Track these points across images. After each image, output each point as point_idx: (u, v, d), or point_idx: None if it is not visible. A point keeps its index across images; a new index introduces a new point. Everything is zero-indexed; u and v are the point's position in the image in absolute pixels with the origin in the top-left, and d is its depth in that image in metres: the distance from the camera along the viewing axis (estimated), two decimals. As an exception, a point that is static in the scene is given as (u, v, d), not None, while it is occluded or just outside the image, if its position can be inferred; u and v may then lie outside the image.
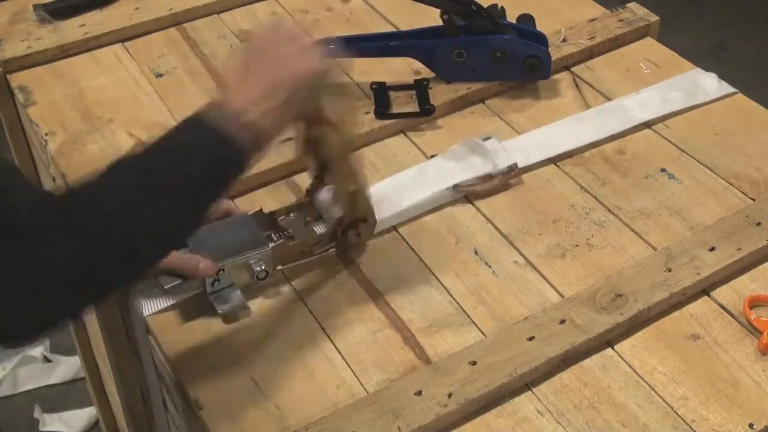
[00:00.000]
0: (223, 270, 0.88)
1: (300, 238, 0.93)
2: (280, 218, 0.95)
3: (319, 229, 0.95)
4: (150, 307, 0.89)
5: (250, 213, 0.94)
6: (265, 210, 0.95)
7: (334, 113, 0.86)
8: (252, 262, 0.88)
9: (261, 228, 0.92)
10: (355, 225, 0.92)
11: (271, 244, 0.90)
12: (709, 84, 1.15)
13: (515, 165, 1.02)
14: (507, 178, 1.02)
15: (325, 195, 0.94)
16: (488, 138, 1.05)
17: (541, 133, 1.08)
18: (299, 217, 0.96)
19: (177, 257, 0.88)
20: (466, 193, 1.01)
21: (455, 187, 1.00)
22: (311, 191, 0.95)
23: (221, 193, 0.79)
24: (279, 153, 1.03)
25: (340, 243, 0.93)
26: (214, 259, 0.87)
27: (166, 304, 0.89)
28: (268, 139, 0.78)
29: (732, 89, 1.16)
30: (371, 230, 0.94)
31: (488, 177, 1.01)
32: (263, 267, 0.88)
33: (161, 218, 0.73)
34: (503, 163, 1.02)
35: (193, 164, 0.74)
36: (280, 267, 0.92)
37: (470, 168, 1.01)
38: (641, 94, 1.13)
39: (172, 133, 0.76)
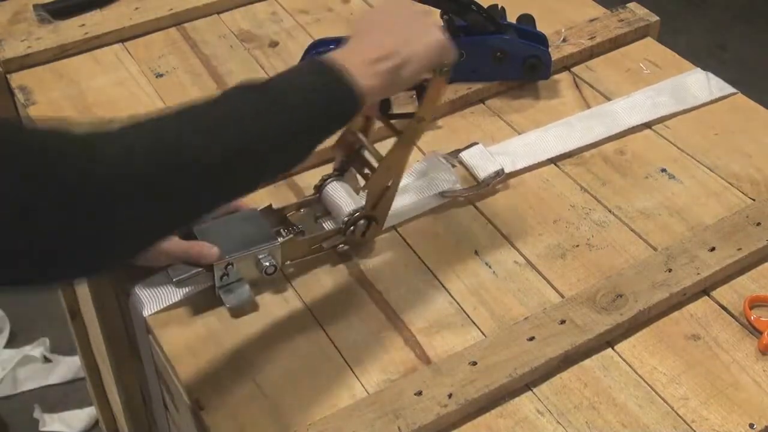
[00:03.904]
0: (231, 264, 0.88)
1: (309, 234, 0.93)
2: (290, 214, 0.95)
3: (329, 225, 0.95)
4: (150, 307, 0.89)
5: (259, 208, 0.94)
6: (275, 206, 0.95)
7: (433, 97, 0.87)
8: (261, 256, 0.89)
9: (270, 223, 0.93)
10: (364, 221, 0.92)
11: (280, 239, 0.90)
12: (699, 86, 1.15)
13: (502, 170, 1.02)
14: (494, 184, 1.02)
15: (333, 191, 0.94)
16: (474, 144, 1.05)
17: (528, 138, 1.08)
18: (308, 213, 0.96)
19: (182, 243, 0.88)
20: (451, 198, 1.01)
21: (442, 193, 1.00)
22: (320, 187, 0.95)
23: (323, 138, 0.78)
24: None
25: (350, 239, 0.93)
26: (223, 253, 0.87)
27: (166, 304, 0.90)
28: (372, 98, 0.79)
29: (731, 89, 1.16)
30: (380, 227, 0.94)
31: (474, 183, 1.02)
32: (272, 262, 0.89)
33: (260, 152, 0.73)
34: (490, 169, 1.02)
35: (310, 104, 0.74)
36: (288, 262, 0.92)
37: (430, 185, 1.01)
38: (632, 98, 1.13)
39: (292, 72, 0.76)
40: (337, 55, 0.78)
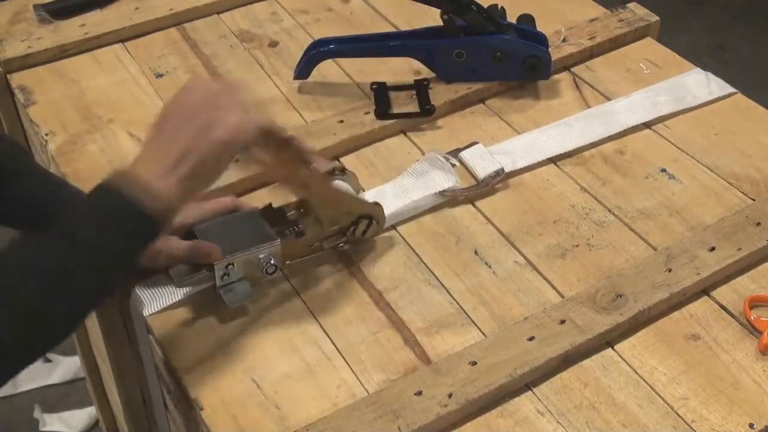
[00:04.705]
0: (232, 264, 0.88)
1: (310, 233, 0.93)
2: (290, 213, 0.95)
3: None
4: (150, 307, 0.89)
5: (260, 208, 0.94)
6: (275, 205, 0.95)
7: (289, 165, 0.85)
8: (261, 256, 0.89)
9: (271, 223, 0.93)
10: (364, 220, 0.92)
11: (281, 239, 0.90)
12: (698, 86, 1.15)
13: (502, 170, 1.02)
14: (494, 183, 1.02)
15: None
16: (474, 143, 1.05)
17: (528, 138, 1.08)
18: (309, 212, 0.96)
19: (183, 243, 0.88)
20: (451, 197, 1.01)
21: (442, 192, 1.00)
22: None
23: (131, 265, 0.77)
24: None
25: (350, 238, 0.93)
26: (224, 252, 0.88)
27: (166, 304, 0.90)
28: (179, 206, 0.78)
29: (731, 89, 1.16)
30: (381, 225, 0.94)
31: (474, 182, 1.02)
32: (272, 261, 0.89)
33: (66, 301, 0.73)
34: (490, 168, 1.02)
35: (106, 241, 0.73)
36: (289, 262, 0.92)
37: (429, 184, 1.00)
38: (631, 98, 1.13)
39: (80, 209, 0.75)
40: (129, 172, 0.76)
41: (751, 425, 0.79)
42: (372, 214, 0.93)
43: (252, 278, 0.90)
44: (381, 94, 1.12)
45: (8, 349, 0.70)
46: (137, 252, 0.77)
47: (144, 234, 0.76)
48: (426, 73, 1.15)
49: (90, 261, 0.73)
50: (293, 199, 0.98)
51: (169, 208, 0.76)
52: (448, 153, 1.05)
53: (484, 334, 0.87)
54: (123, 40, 1.25)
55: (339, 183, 0.95)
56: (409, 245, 0.96)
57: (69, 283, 0.72)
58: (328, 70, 1.18)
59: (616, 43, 1.22)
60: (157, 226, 0.76)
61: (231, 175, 1.00)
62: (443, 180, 1.01)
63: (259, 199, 0.99)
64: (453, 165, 1.03)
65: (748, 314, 0.88)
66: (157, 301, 0.90)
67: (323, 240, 0.92)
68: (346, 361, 0.85)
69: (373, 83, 1.14)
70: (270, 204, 0.95)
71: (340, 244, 0.93)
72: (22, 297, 0.70)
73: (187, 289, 0.90)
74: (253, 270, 0.89)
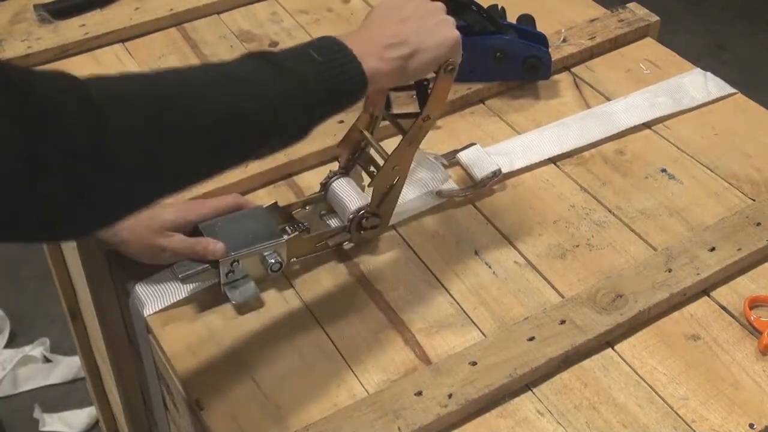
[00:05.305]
0: (237, 261, 0.88)
1: (315, 231, 0.93)
2: (295, 211, 0.96)
3: (334, 222, 0.95)
4: (152, 306, 0.89)
5: (265, 206, 0.94)
6: (280, 203, 0.95)
7: (440, 95, 0.87)
8: (266, 253, 0.89)
9: (276, 221, 0.93)
10: (369, 219, 0.92)
11: (286, 237, 0.90)
12: (695, 87, 1.15)
13: (499, 171, 1.02)
14: (491, 184, 1.02)
15: (339, 188, 0.94)
16: (472, 144, 1.05)
17: (526, 139, 1.08)
18: (314, 211, 0.96)
19: (188, 240, 0.88)
20: (447, 198, 1.01)
21: (439, 193, 1.00)
22: (326, 184, 0.95)
23: (327, 117, 0.78)
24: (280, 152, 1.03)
25: (355, 236, 0.93)
26: (229, 249, 0.88)
27: (166, 304, 0.90)
28: (378, 84, 0.79)
29: (731, 89, 1.16)
30: (385, 225, 0.94)
31: (472, 182, 1.02)
32: (277, 259, 0.89)
33: (266, 126, 0.74)
34: (487, 169, 1.02)
35: (318, 78, 0.75)
36: (294, 259, 0.92)
37: (419, 185, 1.00)
38: (629, 99, 1.13)
39: (303, 47, 0.77)
40: (348, 37, 0.78)
41: (751, 425, 0.79)
42: (382, 215, 0.93)
43: (256, 276, 0.90)
44: (381, 94, 1.12)
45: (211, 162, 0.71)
46: (339, 107, 0.78)
47: (354, 93, 0.78)
48: (426, 73, 1.15)
49: (305, 97, 0.74)
50: (296, 199, 0.99)
51: (370, 78, 0.78)
52: (446, 154, 1.05)
53: (484, 334, 0.87)
54: (123, 40, 1.25)
55: (340, 181, 0.95)
56: (409, 245, 0.96)
57: (277, 110, 0.73)
58: (328, 70, 1.18)
59: (616, 43, 1.22)
60: (363, 90, 0.78)
61: (234, 175, 1.00)
62: (435, 180, 1.01)
63: (260, 199, 0.99)
64: (444, 165, 1.03)
65: (748, 314, 0.88)
66: (159, 300, 0.90)
67: (328, 238, 0.93)
68: (346, 361, 0.85)
69: (373, 83, 1.14)
70: (275, 202, 0.95)
71: (345, 243, 0.94)
72: (241, 113, 0.71)
73: (190, 286, 0.90)
74: (257, 267, 0.89)
